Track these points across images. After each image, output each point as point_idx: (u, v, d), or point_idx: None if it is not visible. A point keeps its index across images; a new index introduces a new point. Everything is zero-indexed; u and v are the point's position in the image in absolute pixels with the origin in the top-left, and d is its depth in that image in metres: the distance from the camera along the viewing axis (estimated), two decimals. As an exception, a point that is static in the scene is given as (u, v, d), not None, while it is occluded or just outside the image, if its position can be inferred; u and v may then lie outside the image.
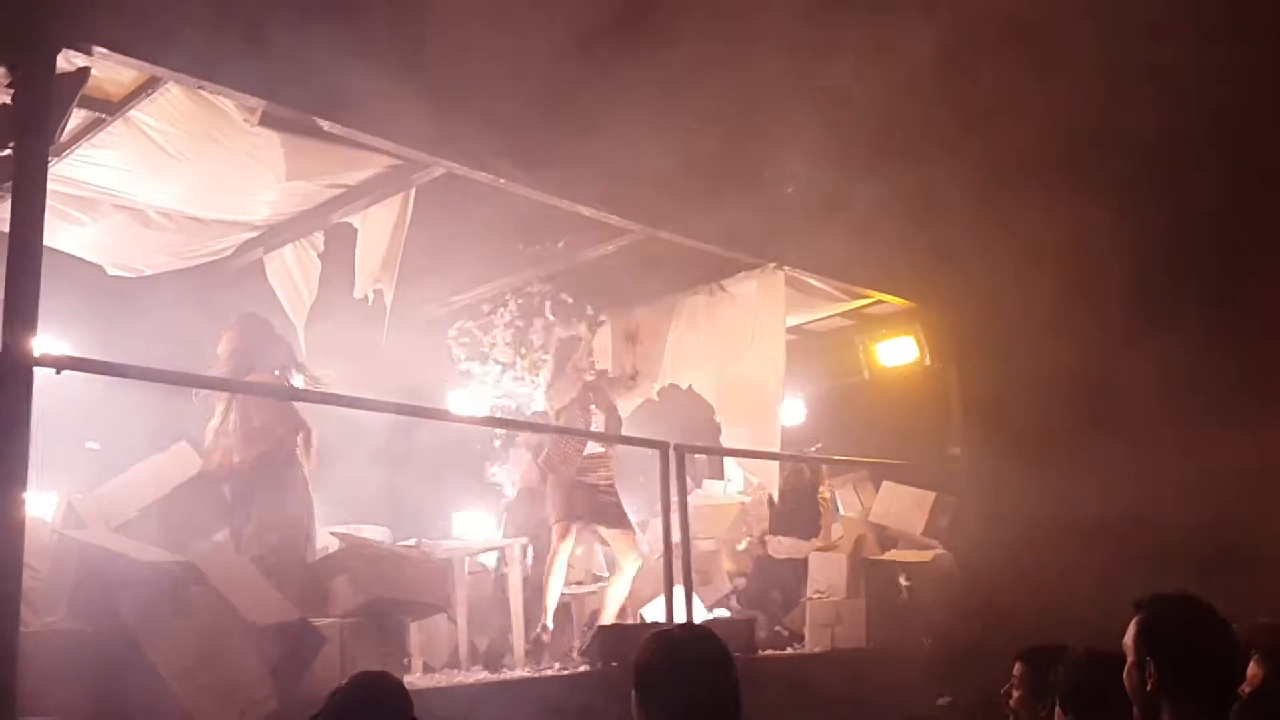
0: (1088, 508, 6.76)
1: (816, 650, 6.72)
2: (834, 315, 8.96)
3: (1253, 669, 3.32)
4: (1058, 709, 3.25)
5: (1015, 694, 3.74)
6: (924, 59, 6.52)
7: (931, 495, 7.75)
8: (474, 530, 7.90)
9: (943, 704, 6.13)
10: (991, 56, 6.58)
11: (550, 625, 6.50)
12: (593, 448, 6.85)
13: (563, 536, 6.70)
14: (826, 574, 7.30)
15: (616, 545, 6.87)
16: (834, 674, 6.28)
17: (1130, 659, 2.52)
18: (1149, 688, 2.45)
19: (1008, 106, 6.69)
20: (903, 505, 7.84)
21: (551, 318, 7.80)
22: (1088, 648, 3.26)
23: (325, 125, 5.51)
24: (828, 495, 8.44)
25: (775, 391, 7.95)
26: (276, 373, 6.16)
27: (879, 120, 6.86)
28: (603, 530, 6.87)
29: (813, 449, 8.73)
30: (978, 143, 6.96)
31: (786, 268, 8.04)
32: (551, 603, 6.61)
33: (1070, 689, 3.19)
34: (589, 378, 7.00)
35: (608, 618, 6.63)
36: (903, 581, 7.30)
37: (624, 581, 6.79)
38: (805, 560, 7.57)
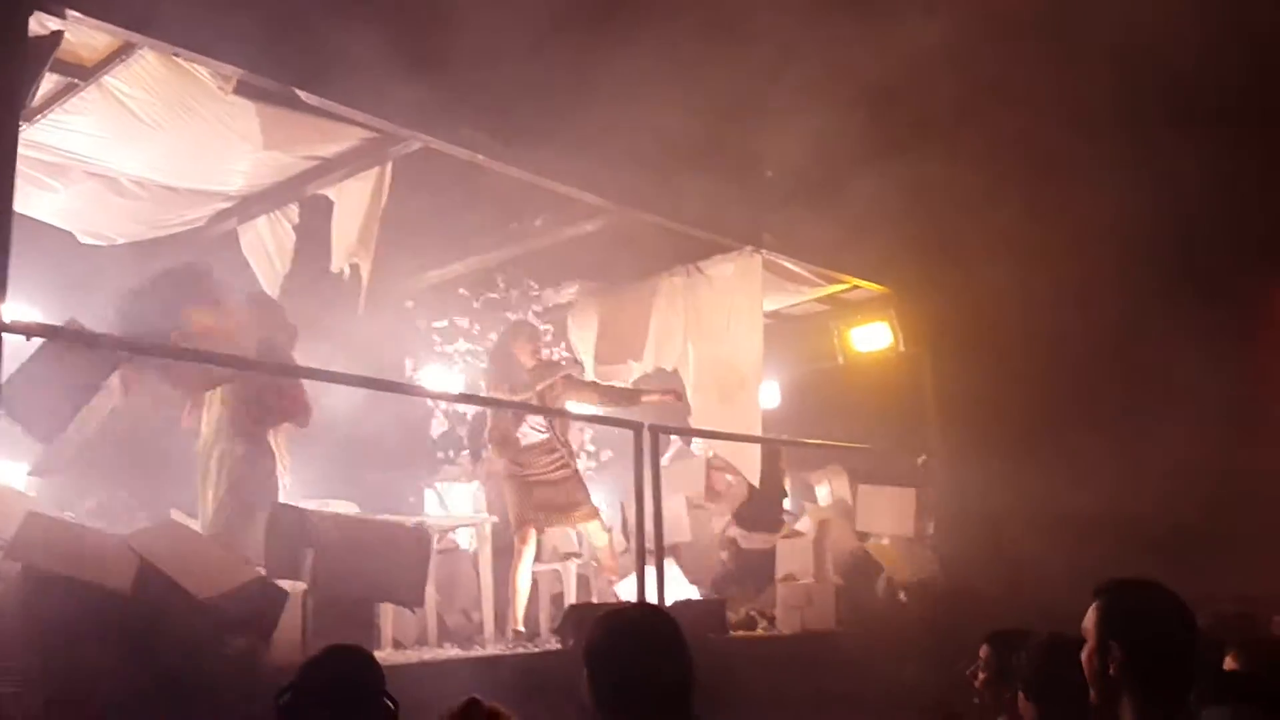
0: (1060, 495, 6.82)
1: (786, 632, 6.76)
2: (809, 300, 8.96)
3: (1229, 663, 3.36)
4: (1020, 693, 3.29)
5: (981, 676, 3.78)
6: (904, 45, 6.54)
7: (912, 492, 7.78)
8: (445, 506, 7.87)
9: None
10: (972, 43, 6.59)
11: (522, 629, 6.44)
12: (536, 435, 6.73)
13: (524, 540, 6.61)
14: (794, 560, 7.34)
15: (583, 529, 6.86)
16: (802, 654, 6.32)
17: (1091, 644, 2.53)
18: (1111, 672, 2.46)
19: (988, 92, 6.72)
20: (886, 507, 7.87)
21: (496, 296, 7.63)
22: (1050, 633, 3.29)
23: (302, 95, 5.45)
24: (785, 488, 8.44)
25: (754, 376, 7.97)
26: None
27: (859, 106, 6.85)
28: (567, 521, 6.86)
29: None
30: (957, 129, 6.98)
31: (764, 251, 8.05)
32: (521, 605, 6.55)
33: (1031, 673, 3.22)
34: (530, 364, 6.85)
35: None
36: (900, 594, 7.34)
37: (602, 546, 6.80)
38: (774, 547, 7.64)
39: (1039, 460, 6.95)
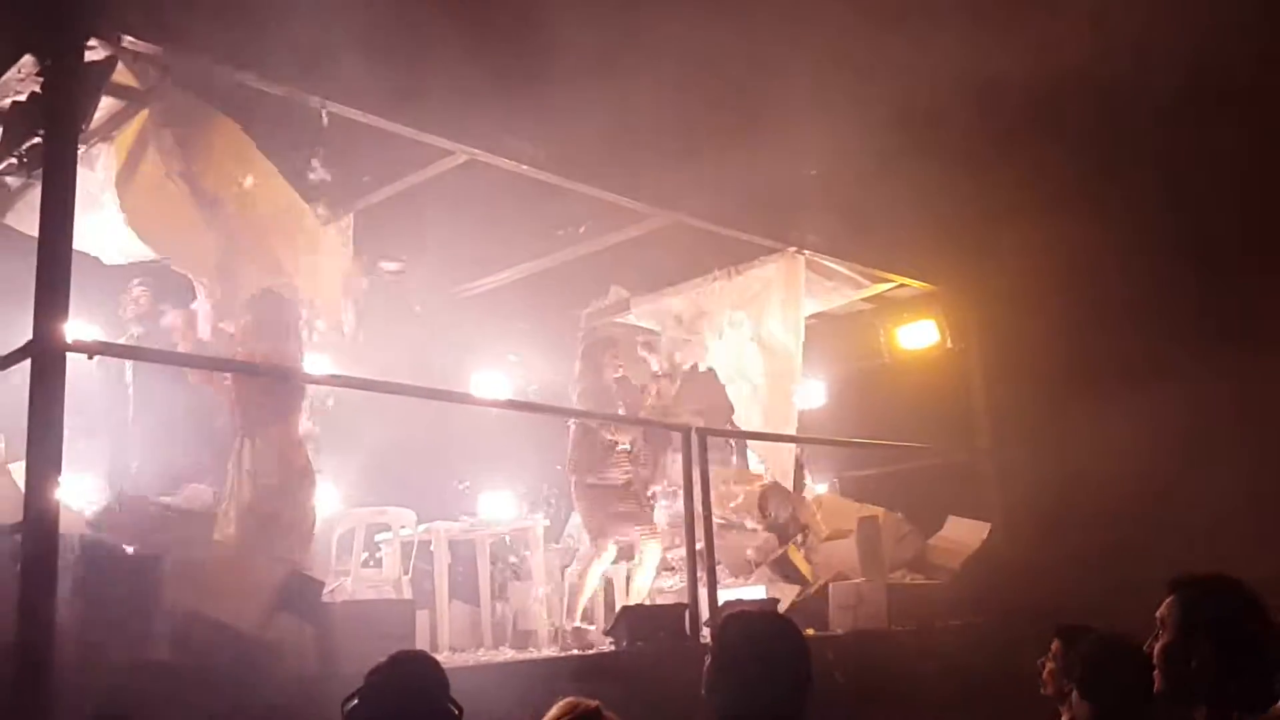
0: (1114, 490, 6.77)
1: (839, 631, 6.75)
2: (857, 300, 8.92)
3: None
4: (1074, 689, 3.33)
5: (1048, 667, 3.84)
6: (942, 37, 6.52)
7: (987, 527, 7.75)
8: (499, 511, 7.96)
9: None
10: (1009, 33, 6.55)
11: (580, 624, 6.49)
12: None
13: (600, 551, 6.67)
14: (841, 559, 7.33)
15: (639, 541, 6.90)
16: (854, 654, 6.31)
17: (1170, 636, 2.53)
18: (1193, 665, 2.47)
19: (1033, 84, 6.67)
20: (961, 534, 7.86)
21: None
22: (1104, 631, 3.35)
23: (353, 114, 5.54)
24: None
25: (793, 376, 7.97)
26: None
27: (901, 102, 6.84)
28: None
29: None
30: (999, 123, 6.95)
31: (807, 251, 8.06)
32: (580, 604, 6.61)
33: (1084, 670, 3.26)
34: (616, 375, 6.94)
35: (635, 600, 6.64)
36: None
37: (646, 571, 6.77)
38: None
39: (1091, 453, 6.89)
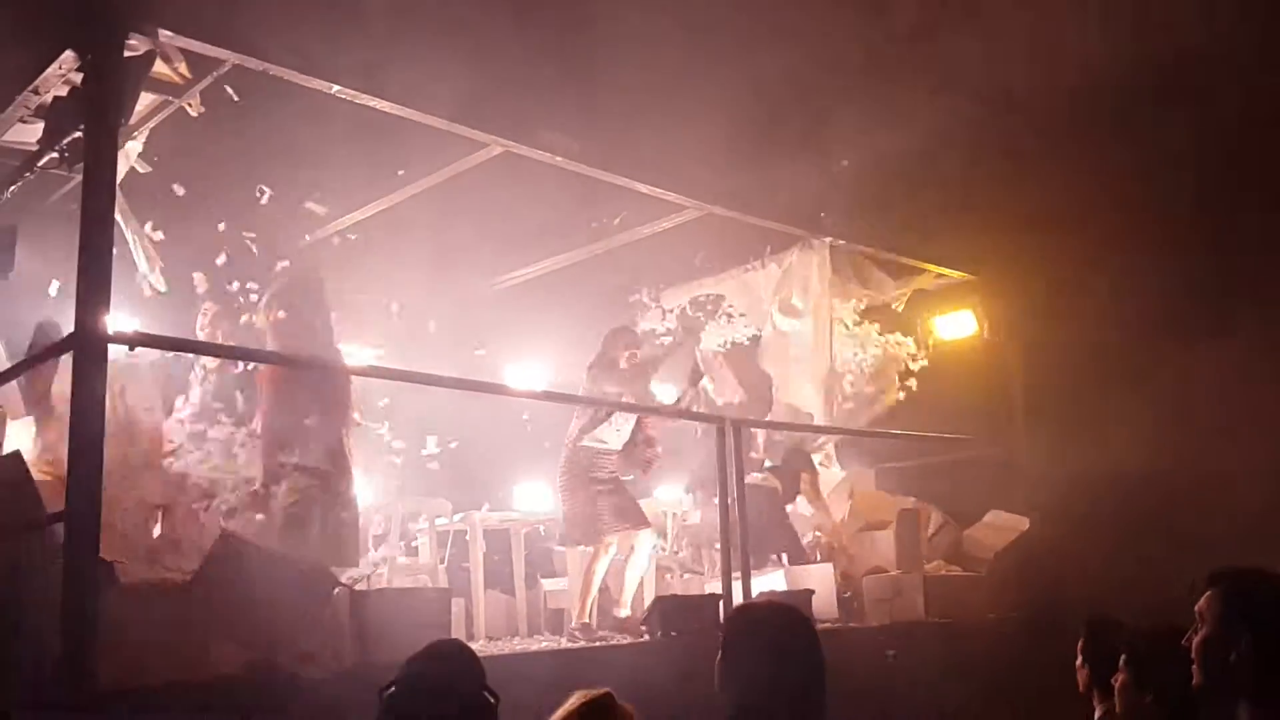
0: (1153, 482, 6.69)
1: (875, 624, 6.72)
2: (897, 294, 8.86)
3: None
4: (1124, 679, 3.30)
5: (1080, 660, 3.84)
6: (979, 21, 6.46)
7: (1026, 520, 7.69)
8: (533, 501, 8.00)
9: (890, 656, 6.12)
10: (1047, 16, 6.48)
11: (587, 620, 6.47)
12: (601, 443, 6.68)
13: (604, 550, 6.53)
14: (877, 552, 7.30)
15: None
16: (894, 646, 6.29)
17: (1210, 630, 2.51)
18: (1232, 659, 2.44)
19: (1072, 67, 6.59)
20: (1000, 527, 7.81)
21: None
22: (1154, 622, 3.33)
23: (388, 108, 5.56)
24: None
25: (826, 366, 7.96)
26: None
27: (934, 90, 6.79)
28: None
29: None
30: (1038, 107, 6.86)
31: (840, 242, 8.02)
32: (588, 603, 6.50)
33: (1140, 661, 3.25)
34: (624, 366, 6.82)
35: (627, 596, 6.56)
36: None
37: (639, 559, 6.65)
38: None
39: (1130, 445, 6.81)
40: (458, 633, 5.78)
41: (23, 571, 4.05)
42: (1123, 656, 3.34)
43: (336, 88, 5.36)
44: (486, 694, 2.75)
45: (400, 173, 6.75)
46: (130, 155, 5.57)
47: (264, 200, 6.75)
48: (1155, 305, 7.00)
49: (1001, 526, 7.79)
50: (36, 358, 4.31)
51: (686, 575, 7.55)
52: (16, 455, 4.46)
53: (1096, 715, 3.70)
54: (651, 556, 6.94)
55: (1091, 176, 6.94)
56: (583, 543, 6.60)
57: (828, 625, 6.53)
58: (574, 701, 2.53)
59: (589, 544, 6.53)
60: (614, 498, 6.55)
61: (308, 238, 7.61)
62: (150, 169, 5.66)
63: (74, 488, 3.82)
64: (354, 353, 7.53)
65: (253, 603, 4.23)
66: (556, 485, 6.74)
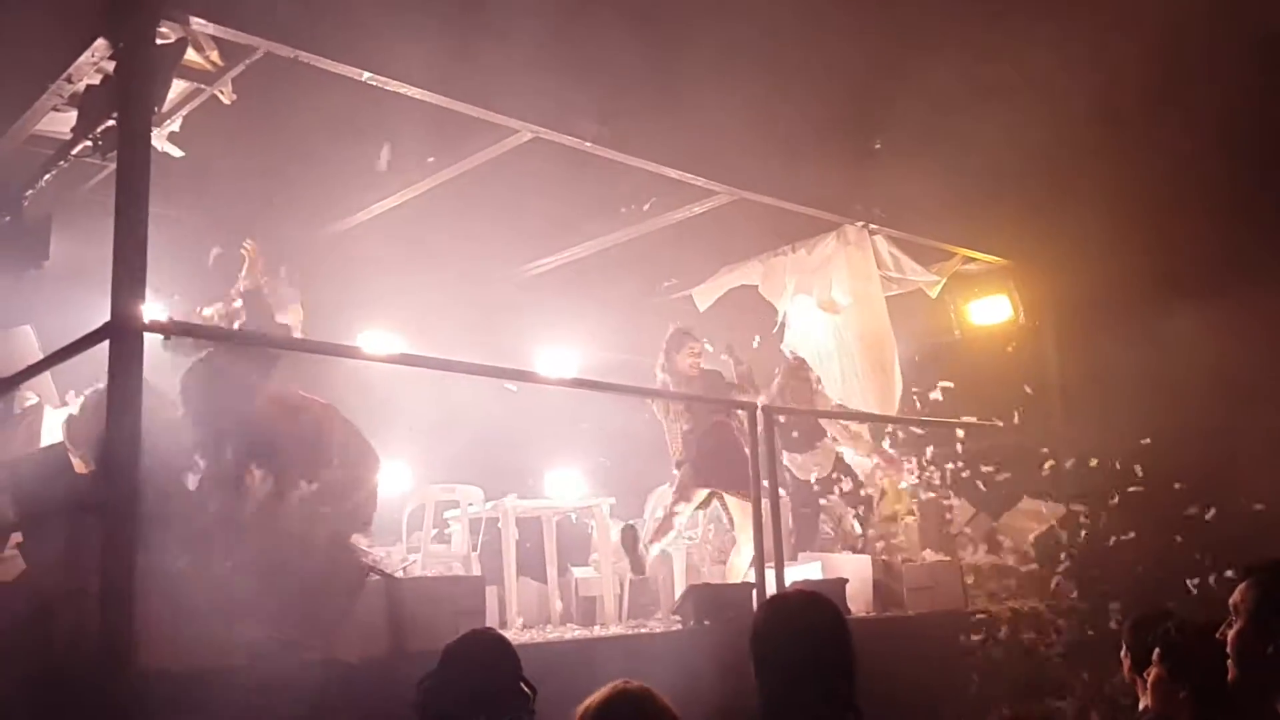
0: (1192, 471, 6.59)
1: (913, 613, 6.67)
2: (931, 281, 8.77)
3: None
4: (1160, 673, 3.27)
5: (1125, 659, 3.81)
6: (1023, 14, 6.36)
7: (1060, 508, 7.60)
8: (565, 489, 8.00)
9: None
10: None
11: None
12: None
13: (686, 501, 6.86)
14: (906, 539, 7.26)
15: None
16: (929, 635, 6.26)
17: (1244, 622, 2.46)
18: (1271, 651, 2.40)
19: (1106, 48, 6.48)
20: (1034, 514, 7.77)
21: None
22: (1180, 618, 3.36)
23: (415, 93, 5.55)
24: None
25: (890, 351, 7.96)
26: None
27: (970, 70, 6.69)
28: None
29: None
30: (1076, 90, 6.76)
31: (873, 226, 7.95)
32: (654, 549, 6.79)
33: (1175, 655, 3.21)
34: (693, 375, 6.92)
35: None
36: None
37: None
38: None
39: (1169, 433, 6.72)
40: (491, 620, 5.78)
41: (67, 556, 4.07)
42: (1157, 650, 3.30)
43: (367, 75, 5.35)
44: (523, 685, 2.74)
45: (431, 159, 6.74)
46: (159, 139, 5.58)
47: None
48: (1199, 290, 6.88)
49: (1036, 514, 7.72)
50: (71, 347, 4.32)
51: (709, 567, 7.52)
52: (61, 447, 4.49)
53: (1141, 705, 3.66)
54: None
55: (1133, 157, 6.82)
56: None
57: (863, 615, 6.50)
58: (608, 691, 2.52)
59: None
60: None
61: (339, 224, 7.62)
62: (183, 154, 5.67)
63: (112, 474, 3.84)
64: (383, 338, 7.58)
65: (287, 588, 4.24)
66: None
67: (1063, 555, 7.18)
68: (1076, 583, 6.92)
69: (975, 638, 6.39)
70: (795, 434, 7.73)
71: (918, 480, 7.89)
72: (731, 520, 6.97)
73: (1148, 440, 6.78)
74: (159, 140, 5.44)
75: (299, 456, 4.87)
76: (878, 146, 7.56)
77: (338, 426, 5.12)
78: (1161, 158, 7.01)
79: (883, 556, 7.08)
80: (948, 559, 7.16)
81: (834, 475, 7.75)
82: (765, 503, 6.07)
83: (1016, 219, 7.81)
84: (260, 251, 5.70)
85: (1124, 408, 7.21)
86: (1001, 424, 8.00)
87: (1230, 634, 2.50)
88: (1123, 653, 3.83)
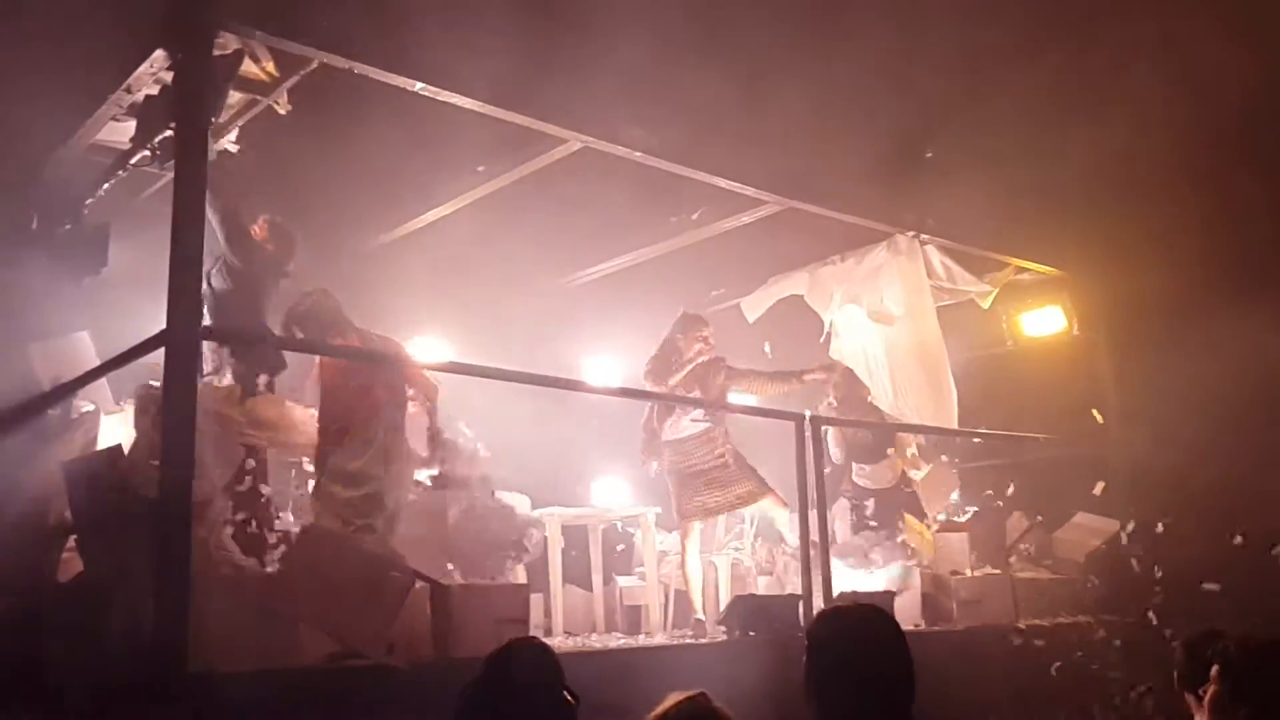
0: (1254, 490, 6.45)
1: (961, 627, 6.58)
2: (984, 291, 8.68)
3: None
4: (1219, 692, 3.21)
5: (1178, 678, 3.75)
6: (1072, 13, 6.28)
7: (1115, 524, 7.49)
8: (611, 497, 8.00)
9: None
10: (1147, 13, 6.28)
11: (702, 617, 6.44)
12: (694, 427, 6.62)
13: (686, 536, 6.59)
14: (952, 556, 7.17)
15: (756, 510, 6.80)
16: (979, 650, 6.18)
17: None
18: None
19: (1161, 60, 6.38)
20: (1088, 530, 7.64)
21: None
22: (1246, 635, 3.25)
23: (466, 103, 5.59)
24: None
25: (942, 362, 7.89)
26: None
27: (1022, 82, 6.62)
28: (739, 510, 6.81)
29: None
30: (1132, 100, 6.66)
31: (925, 236, 7.88)
32: (696, 593, 6.56)
33: (1236, 675, 3.14)
34: (702, 359, 6.75)
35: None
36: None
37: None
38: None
39: (1229, 452, 6.58)
40: (536, 628, 5.79)
41: (123, 558, 4.14)
42: (1215, 668, 3.23)
43: (420, 85, 5.40)
44: (566, 694, 2.74)
45: (480, 169, 6.78)
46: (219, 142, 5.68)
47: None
48: (1257, 301, 6.73)
49: (1091, 528, 7.59)
50: (128, 354, 4.40)
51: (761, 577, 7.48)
52: (117, 449, 4.57)
53: (1194, 724, 3.60)
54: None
55: (1195, 170, 6.69)
56: None
57: (911, 628, 6.42)
58: (670, 703, 2.51)
59: None
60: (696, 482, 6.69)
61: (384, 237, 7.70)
62: (238, 147, 5.74)
63: (167, 478, 3.90)
64: (432, 347, 7.64)
65: (335, 593, 4.28)
66: None
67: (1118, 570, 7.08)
68: (1129, 601, 6.80)
69: (1020, 649, 6.30)
70: (864, 443, 7.65)
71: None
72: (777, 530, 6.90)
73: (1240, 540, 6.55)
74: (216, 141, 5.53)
75: None
76: (929, 156, 7.50)
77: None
78: (1219, 167, 6.88)
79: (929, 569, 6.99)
80: (998, 572, 7.06)
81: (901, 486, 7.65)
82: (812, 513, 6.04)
83: (1070, 229, 7.70)
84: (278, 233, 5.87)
85: (1180, 422, 7.08)
86: (1050, 438, 7.89)
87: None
88: (1178, 680, 3.77)
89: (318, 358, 5.67)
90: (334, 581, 4.32)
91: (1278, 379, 6.71)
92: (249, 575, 4.43)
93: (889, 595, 6.28)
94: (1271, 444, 6.67)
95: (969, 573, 6.95)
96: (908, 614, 6.47)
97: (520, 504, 6.89)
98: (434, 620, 4.59)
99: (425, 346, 7.68)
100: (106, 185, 5.83)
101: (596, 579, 7.09)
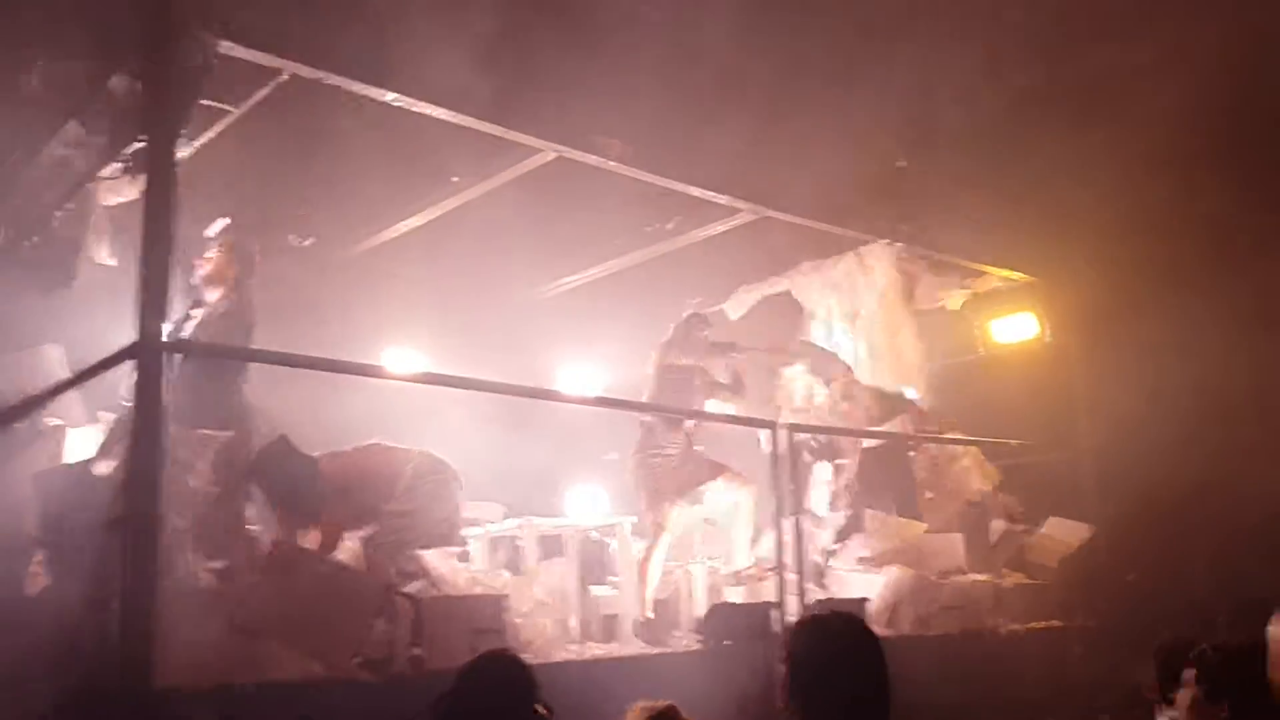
0: (1219, 493, 6.51)
1: (937, 632, 6.61)
2: (955, 297, 8.74)
3: None
4: (1199, 695, 3.23)
5: (1155, 687, 3.77)
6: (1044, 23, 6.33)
7: (1087, 528, 7.58)
8: (586, 506, 7.98)
9: None
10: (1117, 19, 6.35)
11: (651, 616, 6.47)
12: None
13: (664, 523, 6.63)
14: (946, 555, 7.19)
15: (723, 492, 6.84)
16: (965, 656, 6.21)
17: (1274, 649, 2.46)
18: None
19: (1135, 68, 6.44)
20: (1061, 535, 7.72)
21: None
22: (1239, 640, 3.25)
23: (439, 113, 5.59)
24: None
25: (914, 368, 7.97)
26: None
27: (992, 90, 6.67)
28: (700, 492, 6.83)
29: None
30: (1103, 106, 6.72)
31: (899, 244, 7.93)
32: (650, 593, 6.55)
33: (1223, 680, 3.17)
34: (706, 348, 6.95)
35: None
36: None
37: (744, 518, 6.77)
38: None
39: (1199, 456, 6.63)
40: (512, 638, 5.77)
41: (94, 569, 4.10)
42: (1193, 671, 3.26)
43: (391, 95, 5.39)
44: (540, 707, 2.73)
45: (455, 179, 6.78)
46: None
47: None
48: (1228, 308, 6.80)
49: (1059, 539, 7.65)
50: (97, 366, 4.37)
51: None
52: (84, 464, 4.53)
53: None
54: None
55: (1165, 178, 6.76)
56: None
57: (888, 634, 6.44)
58: (637, 711, 2.50)
59: None
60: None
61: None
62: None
63: (135, 492, 3.86)
64: (407, 356, 7.61)
65: (309, 610, 4.26)
66: None
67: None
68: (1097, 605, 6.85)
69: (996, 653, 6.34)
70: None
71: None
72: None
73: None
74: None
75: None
76: (902, 165, 7.54)
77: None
78: (1187, 172, 6.94)
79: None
80: (984, 578, 7.11)
81: None
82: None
83: (1042, 236, 7.75)
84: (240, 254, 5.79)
85: (1151, 425, 7.14)
86: (1023, 444, 7.94)
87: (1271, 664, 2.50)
88: (1154, 688, 3.80)
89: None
90: (305, 598, 4.30)
91: (1258, 382, 6.77)
92: (221, 591, 4.39)
93: (862, 602, 6.30)
94: (1242, 443, 6.72)
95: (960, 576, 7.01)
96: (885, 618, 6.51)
97: (494, 514, 6.89)
98: (410, 632, 4.57)
99: (400, 357, 7.65)
100: (76, 197, 5.78)
101: (572, 589, 7.06)
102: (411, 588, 5.01)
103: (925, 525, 7.56)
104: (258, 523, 5.23)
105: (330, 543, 5.32)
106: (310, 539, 5.20)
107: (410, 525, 5.41)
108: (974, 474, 7.90)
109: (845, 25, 6.20)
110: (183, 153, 5.53)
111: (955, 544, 7.28)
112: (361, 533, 5.33)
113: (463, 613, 4.77)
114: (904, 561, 7.02)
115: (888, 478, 7.78)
